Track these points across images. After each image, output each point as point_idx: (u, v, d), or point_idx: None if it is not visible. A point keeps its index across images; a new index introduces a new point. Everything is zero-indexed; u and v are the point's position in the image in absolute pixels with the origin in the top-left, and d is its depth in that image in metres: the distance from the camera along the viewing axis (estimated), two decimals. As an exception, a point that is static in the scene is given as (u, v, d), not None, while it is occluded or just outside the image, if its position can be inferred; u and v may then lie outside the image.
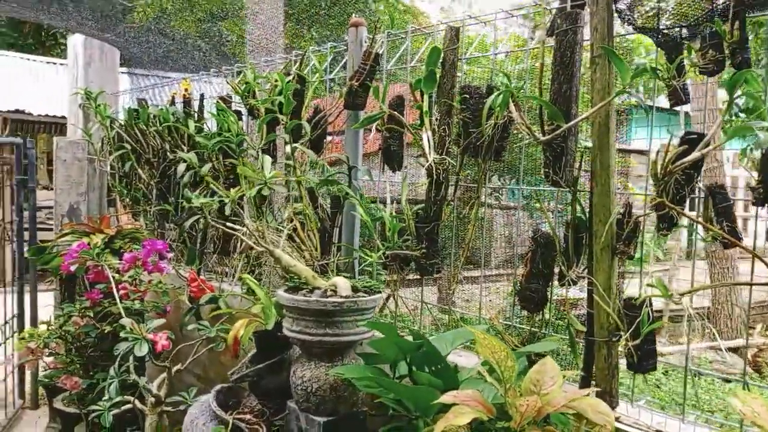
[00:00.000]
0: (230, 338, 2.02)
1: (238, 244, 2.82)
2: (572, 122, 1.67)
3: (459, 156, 2.12)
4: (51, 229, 7.60)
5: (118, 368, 2.19)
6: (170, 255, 2.89)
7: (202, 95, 3.49)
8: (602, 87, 1.61)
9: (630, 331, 1.58)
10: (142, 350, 2.09)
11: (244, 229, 2.74)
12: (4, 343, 4.22)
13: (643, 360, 1.60)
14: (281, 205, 3.00)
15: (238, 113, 3.17)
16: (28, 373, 4.64)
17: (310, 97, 2.62)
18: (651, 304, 1.59)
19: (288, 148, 2.81)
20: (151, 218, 3.97)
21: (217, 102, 3.24)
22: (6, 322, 4.27)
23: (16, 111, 9.23)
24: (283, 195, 3.00)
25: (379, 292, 1.94)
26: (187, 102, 3.54)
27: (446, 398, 1.32)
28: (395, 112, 2.28)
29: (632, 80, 1.51)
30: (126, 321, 2.19)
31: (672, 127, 1.58)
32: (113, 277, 2.64)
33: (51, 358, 2.75)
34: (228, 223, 2.74)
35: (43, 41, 15.10)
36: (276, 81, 2.63)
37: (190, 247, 3.30)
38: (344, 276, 2.05)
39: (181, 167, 2.78)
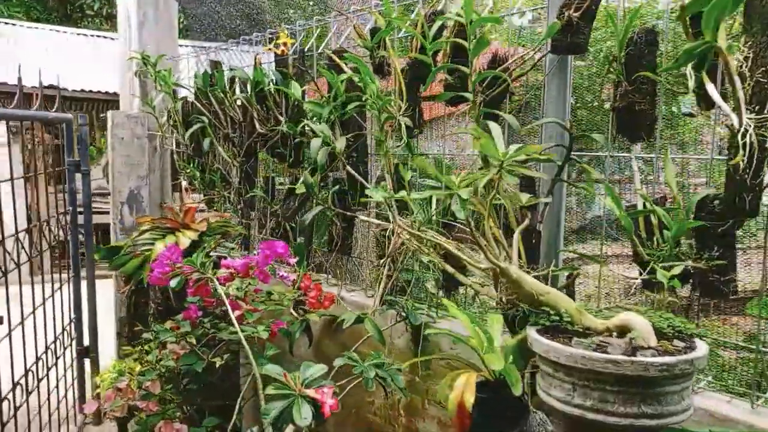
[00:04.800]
0: (452, 405, 1.31)
1: (387, 244, 2.10)
2: None
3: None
4: (105, 213, 6.99)
5: (259, 434, 1.50)
6: (293, 260, 2.19)
7: (302, 50, 2.75)
8: None
9: None
10: (305, 416, 1.40)
11: (393, 225, 2.03)
12: (63, 354, 3.62)
13: None
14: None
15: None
16: (88, 383, 4.06)
17: (484, 40, 1.85)
18: None
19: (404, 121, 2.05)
20: (233, 206, 3.28)
21: (330, 57, 2.50)
22: (64, 329, 3.66)
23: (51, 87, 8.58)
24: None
25: (700, 337, 1.21)
26: (282, 61, 2.80)
27: None
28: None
29: None
30: (273, 369, 1.50)
31: None
32: (225, 294, 1.96)
33: (142, 400, 2.09)
34: (359, 216, 2.03)
35: (69, 14, 14.42)
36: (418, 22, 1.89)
37: (298, 244, 2.60)
38: (632, 309, 1.32)
39: (316, 143, 2.05)
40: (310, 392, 1.47)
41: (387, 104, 2.06)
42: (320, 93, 2.52)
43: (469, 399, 1.28)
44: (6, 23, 10.25)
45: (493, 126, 1.35)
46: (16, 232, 2.91)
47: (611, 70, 1.64)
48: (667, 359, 1.08)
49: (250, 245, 3.33)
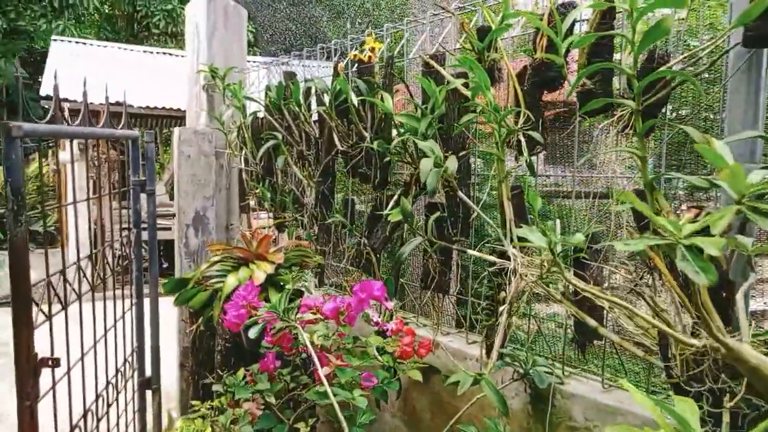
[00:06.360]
0: None
1: (507, 288, 1.71)
2: None
3: None
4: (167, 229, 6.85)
5: None
6: (391, 303, 1.84)
7: (391, 56, 2.41)
8: None
9: None
10: None
11: (514, 264, 1.65)
12: (125, 386, 3.39)
13: None
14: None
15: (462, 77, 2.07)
16: (149, 416, 3.82)
17: (663, 28, 1.45)
18: None
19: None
20: (306, 231, 2.97)
21: (427, 62, 2.15)
22: (126, 360, 3.43)
23: (117, 103, 8.67)
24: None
25: None
26: (366, 69, 2.47)
27: None
28: None
29: None
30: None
31: None
32: (310, 343, 1.61)
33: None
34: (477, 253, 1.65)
35: (136, 33, 14.79)
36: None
37: (386, 280, 2.25)
38: None
39: (426, 164, 1.69)
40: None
41: (505, 117, 1.68)
42: (414, 104, 2.17)
43: None
44: (77, 43, 10.49)
45: (718, 144, 0.95)
46: (78, 260, 2.70)
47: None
48: None
49: (324, 275, 3.00)
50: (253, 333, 1.59)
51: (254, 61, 4.55)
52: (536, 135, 1.63)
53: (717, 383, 1.19)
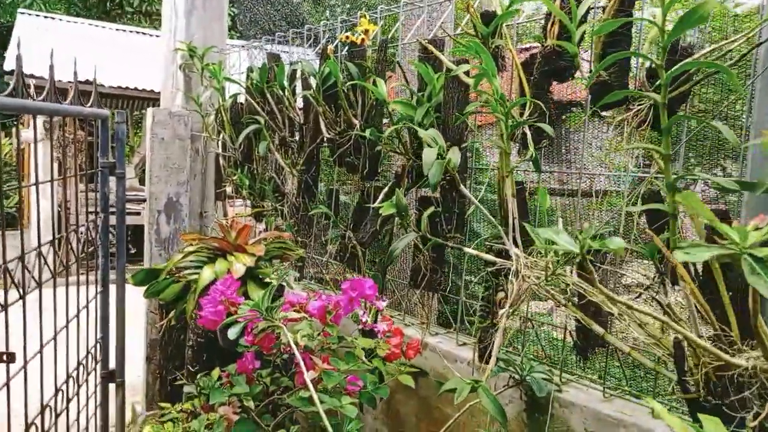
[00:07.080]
0: None
1: (507, 289, 1.60)
2: None
3: None
4: (136, 214, 6.56)
5: None
6: (383, 303, 1.72)
7: (385, 40, 2.27)
8: None
9: None
10: None
11: (516, 265, 1.55)
12: (86, 380, 3.20)
13: None
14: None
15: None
16: (112, 410, 3.63)
17: (700, 13, 1.33)
18: None
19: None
20: (286, 222, 2.82)
21: (425, 47, 2.02)
22: (88, 352, 3.24)
23: (87, 82, 8.33)
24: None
25: None
26: (358, 53, 2.33)
27: None
28: None
29: None
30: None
31: None
32: (294, 344, 1.48)
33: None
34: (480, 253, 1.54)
35: (108, 11, 14.27)
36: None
37: (374, 274, 2.12)
38: None
39: (430, 155, 1.56)
40: None
41: (513, 107, 1.57)
42: (410, 90, 2.04)
43: None
44: (46, 17, 10.06)
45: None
46: (39, 246, 2.51)
47: None
48: None
49: (305, 268, 2.87)
50: (233, 333, 1.45)
51: (233, 45, 4.35)
52: (547, 127, 1.52)
53: (742, 402, 1.10)
